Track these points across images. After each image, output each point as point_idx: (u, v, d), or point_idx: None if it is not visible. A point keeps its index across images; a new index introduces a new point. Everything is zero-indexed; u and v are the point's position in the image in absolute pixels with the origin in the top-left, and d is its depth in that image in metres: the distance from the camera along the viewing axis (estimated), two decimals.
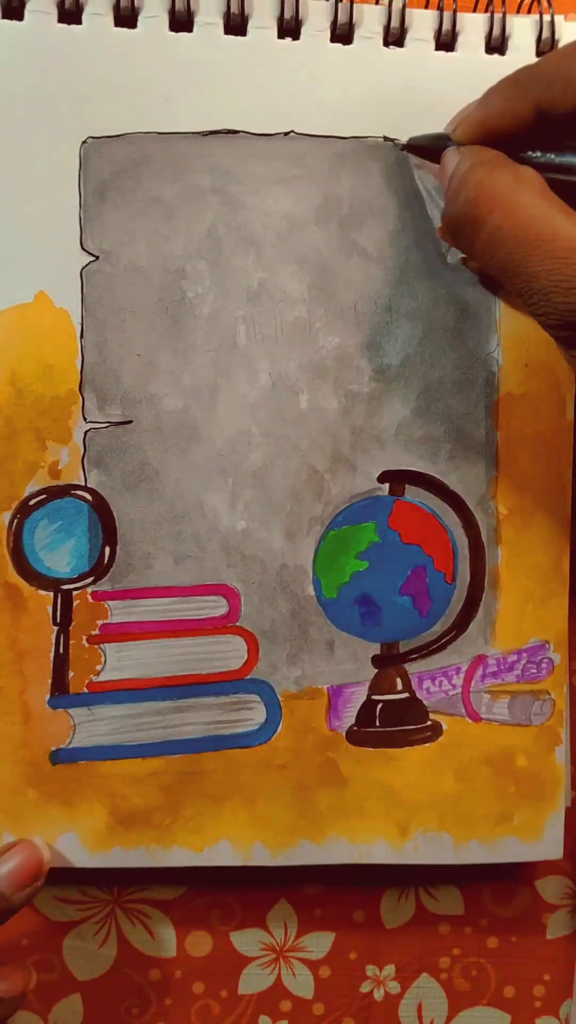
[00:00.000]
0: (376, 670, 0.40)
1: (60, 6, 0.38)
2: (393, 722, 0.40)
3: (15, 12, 0.38)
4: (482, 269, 0.36)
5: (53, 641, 0.39)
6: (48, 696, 0.39)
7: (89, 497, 0.39)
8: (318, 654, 0.40)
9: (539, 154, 0.32)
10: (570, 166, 0.31)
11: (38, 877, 0.37)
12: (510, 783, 0.41)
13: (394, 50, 0.39)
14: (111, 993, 0.42)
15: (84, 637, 0.39)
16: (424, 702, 0.40)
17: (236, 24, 0.38)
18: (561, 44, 0.39)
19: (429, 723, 0.40)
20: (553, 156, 0.31)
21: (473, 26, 0.39)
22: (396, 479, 0.40)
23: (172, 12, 0.38)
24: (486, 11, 0.39)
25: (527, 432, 0.40)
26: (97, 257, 0.38)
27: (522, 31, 0.40)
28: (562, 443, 0.40)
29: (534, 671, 0.41)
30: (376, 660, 0.40)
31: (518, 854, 0.41)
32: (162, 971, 0.43)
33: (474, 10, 0.39)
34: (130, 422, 0.39)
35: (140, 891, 0.43)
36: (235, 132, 0.39)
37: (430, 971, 0.44)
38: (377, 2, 0.39)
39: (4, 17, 0.38)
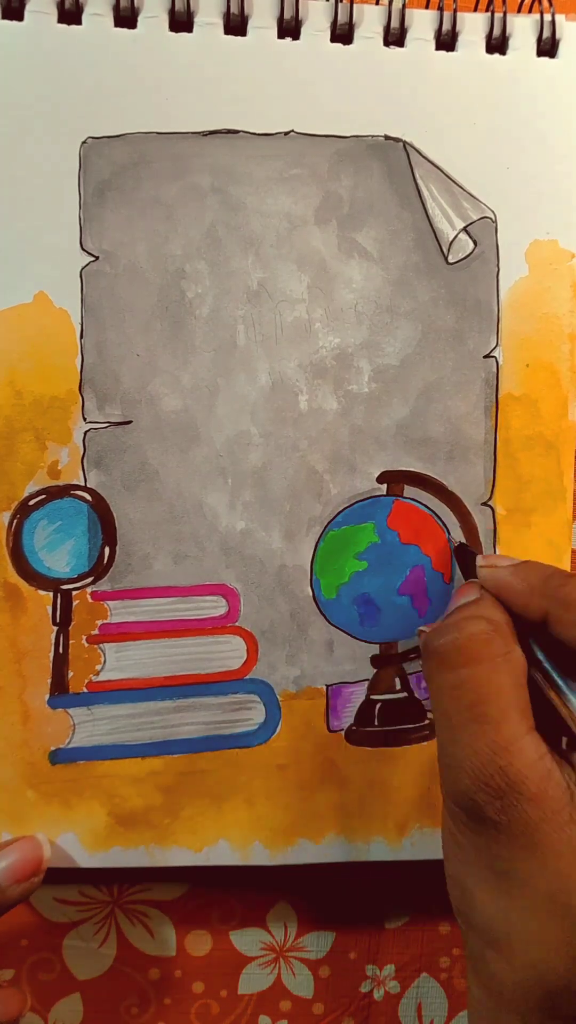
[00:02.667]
0: (375, 670, 0.40)
1: (60, 6, 0.38)
2: (392, 721, 0.40)
3: (15, 12, 0.38)
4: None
5: (52, 641, 0.39)
6: (47, 696, 0.39)
7: (89, 497, 0.39)
8: (317, 654, 0.40)
9: (539, 651, 0.32)
10: (551, 679, 0.31)
11: (36, 873, 0.37)
12: None
13: (394, 50, 0.39)
14: (111, 993, 0.43)
15: (84, 637, 0.39)
16: (422, 701, 0.40)
17: (236, 24, 0.38)
18: (562, 44, 0.39)
19: (427, 722, 0.40)
20: (544, 661, 0.31)
21: (473, 26, 0.39)
22: (395, 479, 0.40)
23: (172, 12, 0.38)
24: (486, 11, 0.39)
25: (526, 433, 0.40)
26: (97, 257, 0.38)
27: (523, 31, 0.40)
28: (562, 444, 0.40)
29: None
30: (375, 660, 0.40)
31: None
32: (162, 971, 0.43)
33: (474, 10, 0.39)
34: (130, 422, 0.39)
35: (140, 891, 0.43)
36: (235, 132, 0.39)
37: (430, 971, 0.44)
38: (377, 2, 0.39)
39: (4, 17, 0.38)
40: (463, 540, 0.40)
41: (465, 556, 0.37)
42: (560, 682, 0.31)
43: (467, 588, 0.34)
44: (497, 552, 0.40)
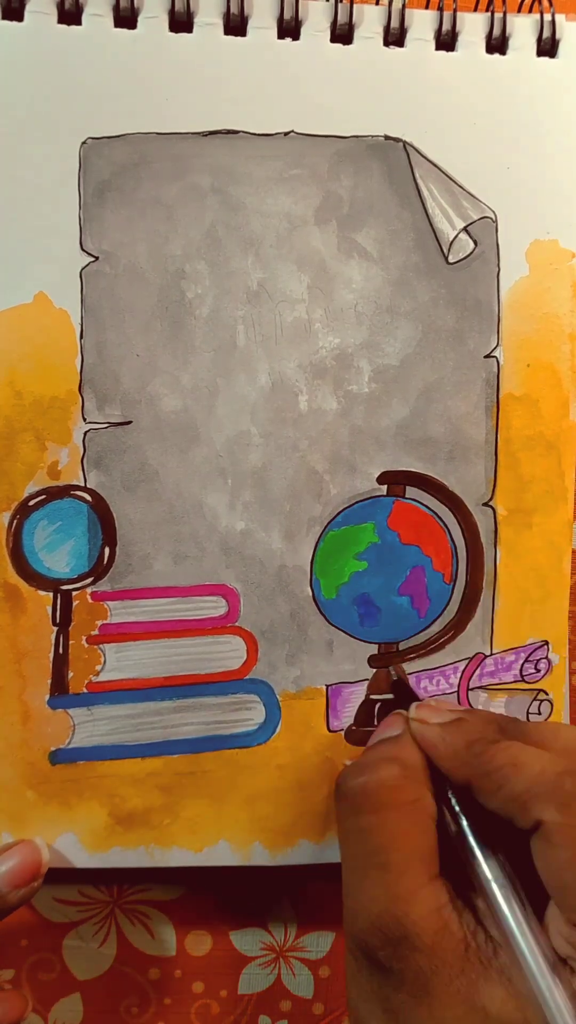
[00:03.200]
0: (374, 670, 0.40)
1: (60, 6, 0.38)
2: None
3: (15, 13, 0.38)
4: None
5: (52, 641, 0.39)
6: (47, 696, 0.39)
7: (88, 498, 0.39)
8: (317, 654, 0.40)
9: (453, 801, 0.32)
10: (461, 832, 0.31)
11: (36, 877, 0.37)
12: None
13: (394, 50, 0.39)
14: (111, 992, 0.43)
15: (83, 637, 0.39)
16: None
17: (236, 24, 0.38)
18: (562, 44, 0.39)
19: None
20: (458, 810, 0.31)
21: (473, 26, 0.39)
22: (395, 480, 0.40)
23: (172, 12, 0.38)
24: (486, 11, 0.39)
25: (527, 433, 0.40)
26: (97, 258, 0.38)
27: (523, 31, 0.39)
28: (562, 444, 0.40)
29: (532, 671, 0.41)
30: (374, 660, 0.40)
31: None
32: (162, 971, 0.43)
33: (474, 10, 0.39)
34: (129, 423, 0.39)
35: (140, 891, 0.43)
36: (235, 132, 0.39)
37: None
38: (377, 2, 0.39)
39: (4, 18, 0.38)
40: (461, 553, 0.40)
41: (403, 692, 0.37)
42: (473, 844, 0.31)
43: (393, 720, 0.34)
44: (499, 554, 0.40)
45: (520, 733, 0.32)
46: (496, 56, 0.40)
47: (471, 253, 0.40)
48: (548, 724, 0.33)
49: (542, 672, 0.41)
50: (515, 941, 0.28)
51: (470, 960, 0.28)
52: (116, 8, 0.38)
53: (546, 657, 0.41)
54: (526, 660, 0.41)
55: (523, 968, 0.28)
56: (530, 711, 0.41)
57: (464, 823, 0.31)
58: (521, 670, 0.41)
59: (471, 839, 0.31)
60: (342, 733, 0.40)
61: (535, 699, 0.41)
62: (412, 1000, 0.28)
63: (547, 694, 0.41)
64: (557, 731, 0.32)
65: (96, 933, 0.42)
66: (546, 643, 0.41)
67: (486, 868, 0.30)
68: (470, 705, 0.40)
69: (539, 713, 0.41)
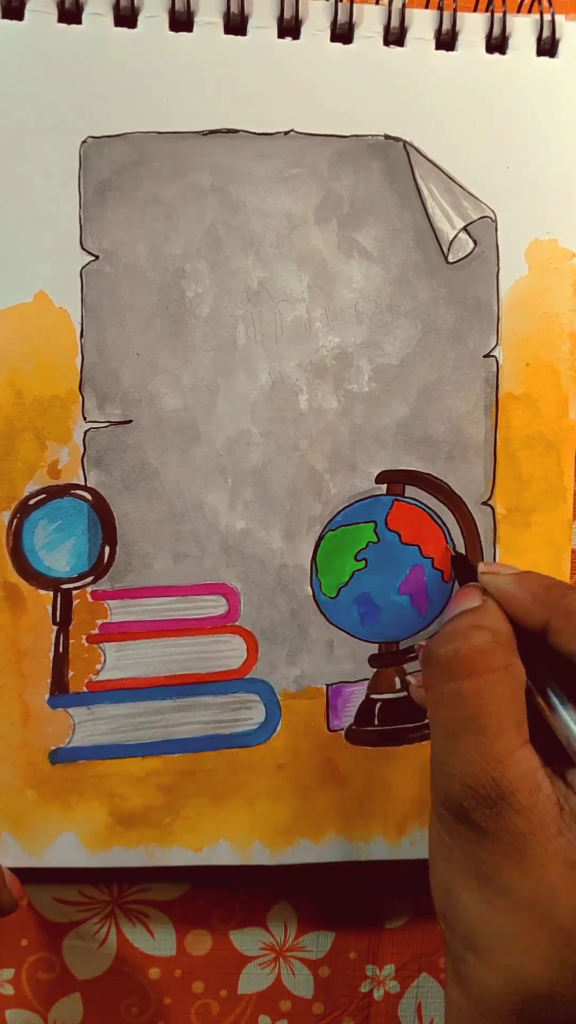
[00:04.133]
0: (375, 669, 0.40)
1: (60, 6, 0.38)
2: (392, 721, 0.40)
3: (15, 12, 0.38)
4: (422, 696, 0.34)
5: (53, 640, 0.39)
6: (47, 695, 0.39)
7: (89, 497, 0.39)
8: (317, 653, 0.40)
9: (537, 664, 0.32)
10: (545, 694, 0.31)
11: (22, 896, 0.37)
12: None
13: (394, 50, 0.39)
14: (111, 992, 0.43)
15: (84, 636, 0.39)
16: None
17: (236, 24, 0.38)
18: (562, 44, 0.39)
19: (427, 721, 0.40)
20: (541, 674, 0.31)
21: (473, 26, 0.39)
22: (395, 479, 0.40)
23: (172, 12, 0.38)
24: (486, 11, 0.39)
25: (526, 432, 0.40)
26: (97, 257, 0.38)
27: (522, 31, 0.40)
28: (562, 443, 0.40)
29: None
30: (374, 659, 0.40)
31: None
32: (162, 970, 0.43)
33: (474, 10, 0.39)
34: (130, 422, 0.39)
35: (140, 891, 0.43)
36: (235, 132, 0.39)
37: (430, 971, 0.44)
38: (377, 2, 0.39)
39: (4, 17, 0.38)
40: (461, 550, 0.40)
41: (463, 565, 0.37)
42: (554, 699, 0.31)
43: (469, 592, 0.34)
44: (498, 553, 0.40)
45: None
46: (496, 56, 0.40)
47: (471, 252, 0.40)
48: None
49: None
50: None
51: (565, 821, 0.28)
52: (116, 7, 0.38)
53: None
54: None
55: None
56: None
57: (545, 678, 0.31)
58: None
59: (551, 694, 0.31)
60: (342, 733, 0.40)
61: None
62: (508, 862, 0.28)
63: None
64: None
65: (96, 933, 0.42)
66: None
67: (568, 717, 0.30)
68: None
69: None
